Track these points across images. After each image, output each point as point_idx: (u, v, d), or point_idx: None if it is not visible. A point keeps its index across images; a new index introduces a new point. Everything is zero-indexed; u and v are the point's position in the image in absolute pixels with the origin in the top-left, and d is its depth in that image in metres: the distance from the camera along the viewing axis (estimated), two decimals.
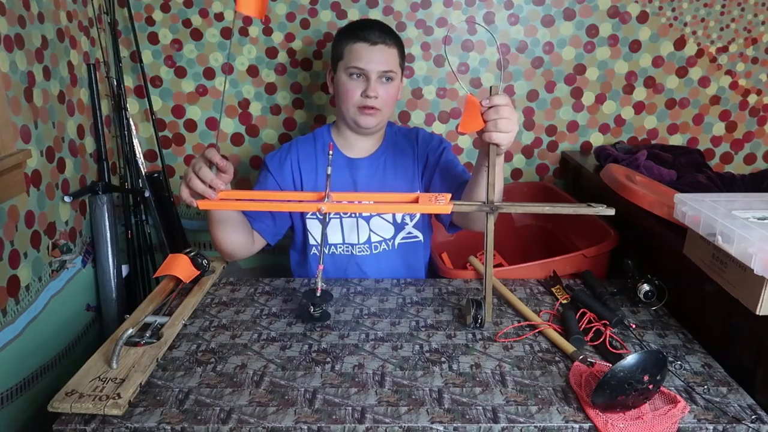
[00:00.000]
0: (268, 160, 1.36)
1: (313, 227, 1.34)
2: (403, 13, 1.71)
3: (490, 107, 0.95)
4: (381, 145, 1.38)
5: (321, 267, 1.04)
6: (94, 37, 1.64)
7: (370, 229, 1.34)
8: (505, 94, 0.98)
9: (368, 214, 1.33)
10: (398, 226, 1.36)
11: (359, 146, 1.37)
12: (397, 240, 1.36)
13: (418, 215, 1.36)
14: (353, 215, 1.33)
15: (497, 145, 0.98)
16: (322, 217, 1.10)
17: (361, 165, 1.35)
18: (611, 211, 1.01)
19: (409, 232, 1.37)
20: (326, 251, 1.34)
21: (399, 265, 1.37)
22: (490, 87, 0.97)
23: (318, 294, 1.03)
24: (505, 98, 0.96)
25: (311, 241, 1.35)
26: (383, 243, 1.35)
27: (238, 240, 1.22)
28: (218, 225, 1.18)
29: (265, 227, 1.29)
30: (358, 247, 1.34)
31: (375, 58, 1.25)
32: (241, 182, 1.85)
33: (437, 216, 1.37)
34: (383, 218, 1.35)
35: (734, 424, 0.79)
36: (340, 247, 1.35)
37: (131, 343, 0.94)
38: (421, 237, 1.38)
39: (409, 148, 1.37)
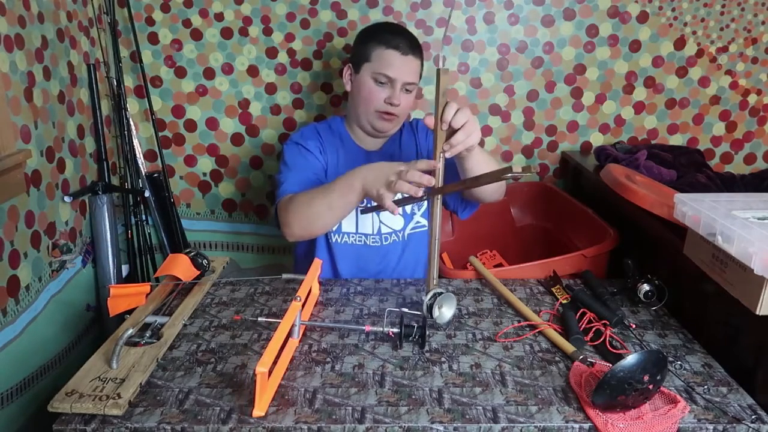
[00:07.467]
0: (302, 140, 1.34)
1: None
2: (403, 13, 1.71)
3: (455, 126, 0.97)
4: (389, 139, 1.40)
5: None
6: (94, 37, 1.64)
7: (381, 221, 1.35)
8: (464, 108, 0.99)
9: None
10: (407, 217, 1.37)
11: (369, 141, 1.39)
12: (407, 231, 1.38)
13: (424, 205, 1.37)
14: (369, 205, 1.34)
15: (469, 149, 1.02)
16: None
17: (373, 158, 1.36)
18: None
19: (417, 222, 1.39)
20: (338, 240, 1.35)
21: (409, 256, 1.39)
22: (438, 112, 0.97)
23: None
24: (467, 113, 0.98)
25: None
26: (393, 235, 1.36)
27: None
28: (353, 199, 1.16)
29: None
30: (372, 238, 1.35)
31: (404, 68, 1.26)
32: (240, 182, 1.85)
33: (446, 205, 1.38)
34: None
35: (734, 424, 0.79)
36: (352, 236, 1.35)
37: (131, 343, 0.94)
38: (428, 226, 1.39)
39: (411, 137, 1.40)
